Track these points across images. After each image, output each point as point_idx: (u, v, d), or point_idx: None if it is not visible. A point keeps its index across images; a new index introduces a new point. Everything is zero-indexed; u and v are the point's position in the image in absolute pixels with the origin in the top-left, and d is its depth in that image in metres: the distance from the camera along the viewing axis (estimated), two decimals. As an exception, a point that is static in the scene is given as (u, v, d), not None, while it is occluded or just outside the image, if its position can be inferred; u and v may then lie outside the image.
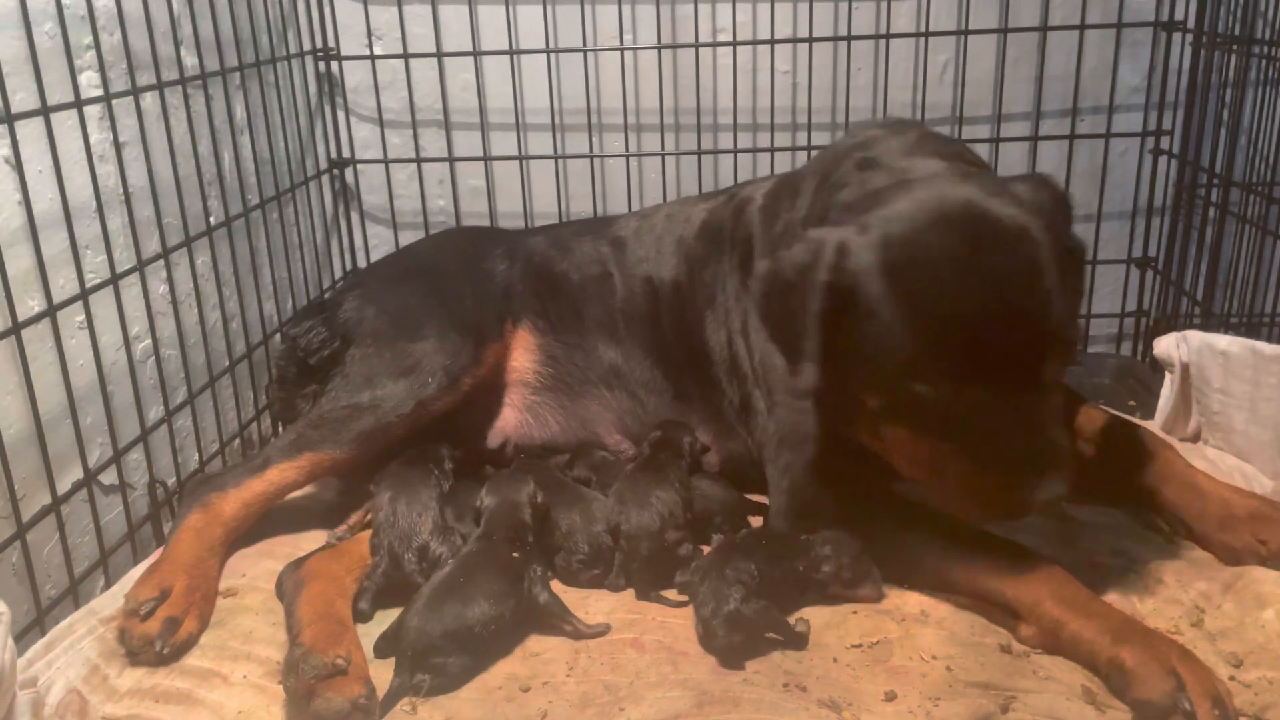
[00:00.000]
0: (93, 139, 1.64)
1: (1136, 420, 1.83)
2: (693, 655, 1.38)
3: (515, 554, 1.48)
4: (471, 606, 1.36)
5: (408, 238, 2.48)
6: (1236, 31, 2.10)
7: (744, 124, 2.47)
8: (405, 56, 2.44)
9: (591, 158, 2.51)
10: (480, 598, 1.38)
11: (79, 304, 1.59)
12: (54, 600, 1.55)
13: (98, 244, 1.67)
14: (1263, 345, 1.72)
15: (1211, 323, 2.19)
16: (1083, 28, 2.33)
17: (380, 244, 2.59)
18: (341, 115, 2.52)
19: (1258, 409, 1.72)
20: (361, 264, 2.58)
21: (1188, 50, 2.31)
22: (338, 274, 2.57)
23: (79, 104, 1.58)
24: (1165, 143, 2.38)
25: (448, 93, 2.47)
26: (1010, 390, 1.26)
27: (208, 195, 1.98)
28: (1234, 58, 2.13)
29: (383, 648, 1.40)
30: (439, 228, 2.55)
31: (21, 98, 1.49)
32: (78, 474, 1.61)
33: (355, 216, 2.60)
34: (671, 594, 1.51)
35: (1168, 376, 1.93)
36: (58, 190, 1.55)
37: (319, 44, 2.44)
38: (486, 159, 2.52)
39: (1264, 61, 2.03)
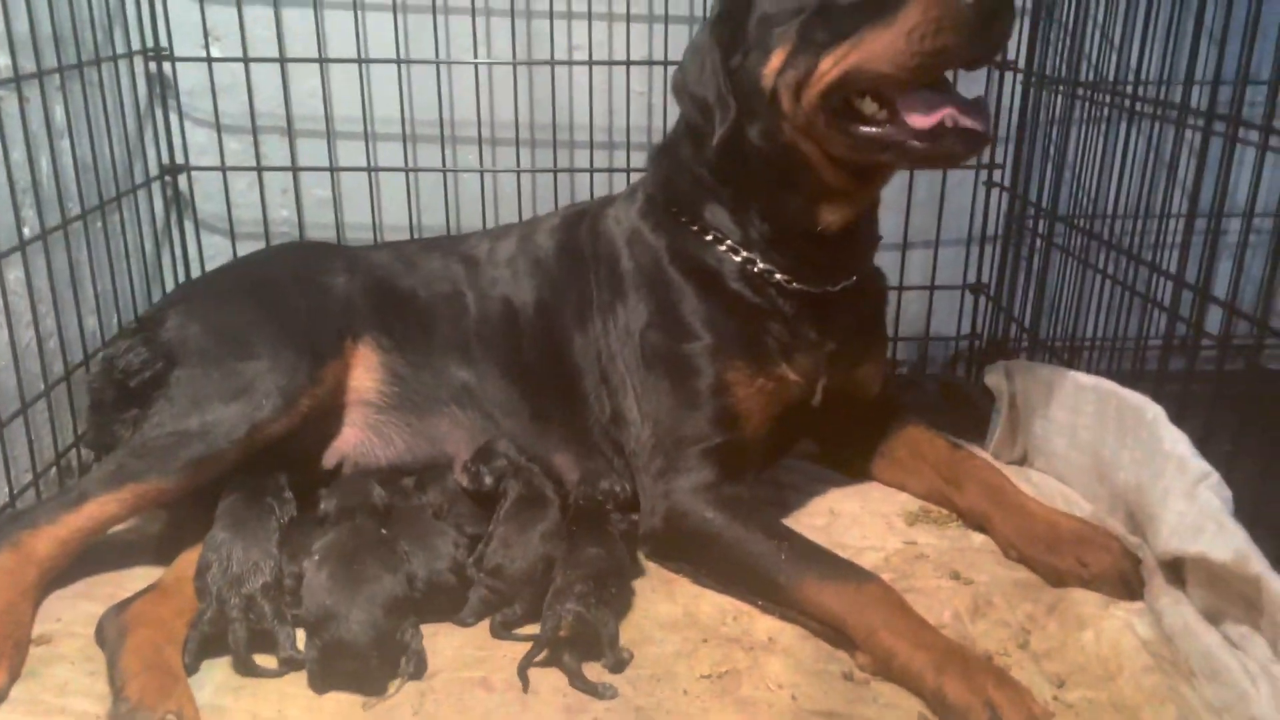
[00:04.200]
0: (-114, 144, 1.50)
1: (968, 445, 1.91)
2: (544, 694, 1.37)
3: (384, 530, 1.51)
4: (384, 582, 1.41)
5: (247, 249, 2.36)
6: (1063, 73, 2.22)
7: (600, 142, 2.46)
8: (245, 60, 2.32)
9: (444, 172, 2.45)
10: (384, 574, 1.42)
11: None
12: None
13: (-109, 259, 1.52)
14: (1081, 375, 1.83)
15: (1038, 347, 2.31)
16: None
17: (217, 255, 2.46)
18: (175, 119, 2.38)
19: (1077, 435, 1.83)
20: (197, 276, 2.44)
21: (1018, 89, 2.43)
22: (169, 287, 2.42)
23: None
24: (997, 175, 2.49)
25: (291, 99, 2.37)
26: None
27: (21, 205, 1.83)
28: (1060, 98, 2.25)
29: (328, 658, 1.36)
30: (281, 239, 2.45)
31: None
32: None
33: (189, 226, 2.46)
34: (525, 630, 1.49)
35: (997, 403, 2.03)
36: None
37: (150, 44, 2.29)
38: (333, 169, 2.43)
39: (1087, 103, 2.16)
